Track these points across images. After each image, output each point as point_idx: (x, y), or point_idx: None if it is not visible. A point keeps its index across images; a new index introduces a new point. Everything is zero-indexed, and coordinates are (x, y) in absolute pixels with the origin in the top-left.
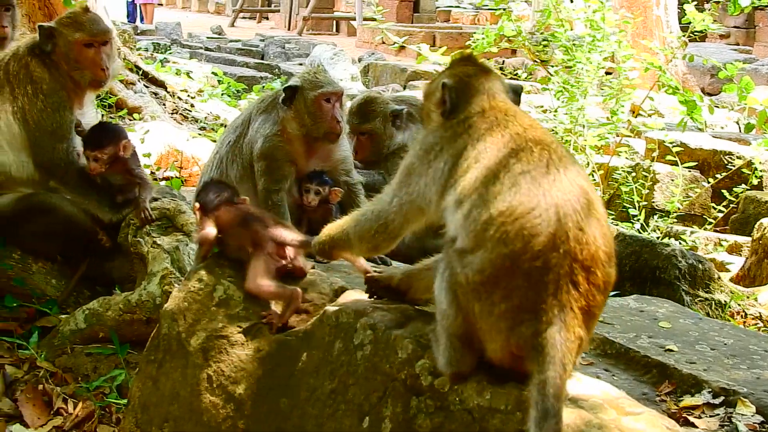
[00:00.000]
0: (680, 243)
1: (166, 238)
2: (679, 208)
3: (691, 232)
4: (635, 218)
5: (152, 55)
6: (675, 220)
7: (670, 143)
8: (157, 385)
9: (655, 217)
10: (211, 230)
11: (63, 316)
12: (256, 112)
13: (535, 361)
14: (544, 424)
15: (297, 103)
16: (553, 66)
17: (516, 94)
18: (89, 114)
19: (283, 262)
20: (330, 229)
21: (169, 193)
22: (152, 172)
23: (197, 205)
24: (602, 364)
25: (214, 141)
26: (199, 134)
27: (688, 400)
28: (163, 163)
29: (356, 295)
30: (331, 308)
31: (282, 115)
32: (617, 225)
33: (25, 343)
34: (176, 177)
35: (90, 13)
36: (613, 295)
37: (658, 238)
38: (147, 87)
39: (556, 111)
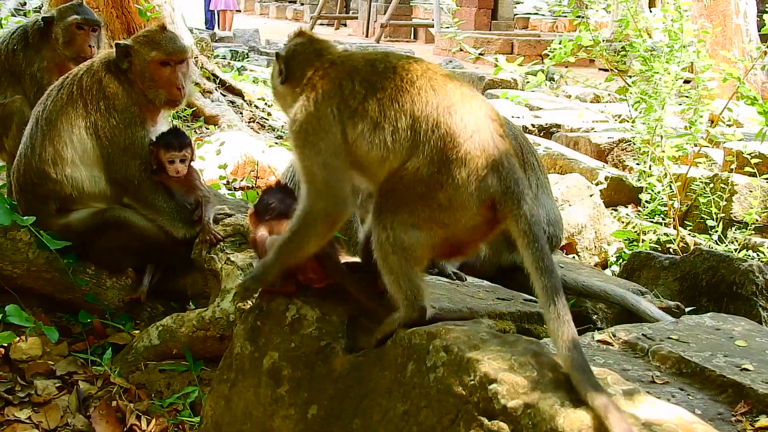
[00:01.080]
0: (758, 255)
1: (239, 255)
2: (757, 220)
3: None
4: (713, 230)
5: (229, 63)
6: (753, 232)
7: (749, 154)
8: (229, 405)
9: (733, 228)
10: (263, 233)
11: (136, 332)
12: None
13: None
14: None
15: None
16: (630, 76)
17: None
18: (163, 127)
19: (312, 276)
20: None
21: (244, 207)
22: (228, 182)
23: (251, 210)
24: (677, 383)
25: (290, 150)
26: (276, 143)
27: (764, 421)
28: (239, 173)
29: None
30: (403, 331)
31: None
32: (695, 236)
33: (98, 359)
34: (251, 188)
35: (167, 31)
36: (689, 312)
37: (735, 250)
38: (224, 95)
39: (633, 121)
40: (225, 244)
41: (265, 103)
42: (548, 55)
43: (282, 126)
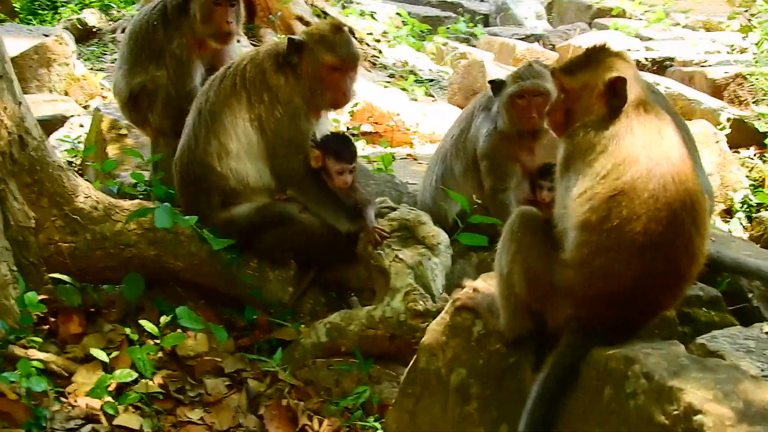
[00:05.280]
0: None
1: (408, 252)
2: None
3: None
4: None
5: None
6: None
7: None
8: (414, 420)
9: None
10: None
11: (302, 326)
12: (479, 108)
13: None
14: None
15: (500, 99)
16: (753, 15)
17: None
18: (324, 125)
19: None
20: None
21: (390, 183)
22: (348, 128)
23: None
24: None
25: (404, 90)
26: (388, 83)
27: None
28: (358, 119)
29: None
30: (598, 352)
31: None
32: None
33: (264, 359)
34: (373, 132)
35: (343, 33)
36: None
37: None
38: None
39: (756, 61)
40: (392, 239)
41: (374, 39)
42: None
43: (393, 64)
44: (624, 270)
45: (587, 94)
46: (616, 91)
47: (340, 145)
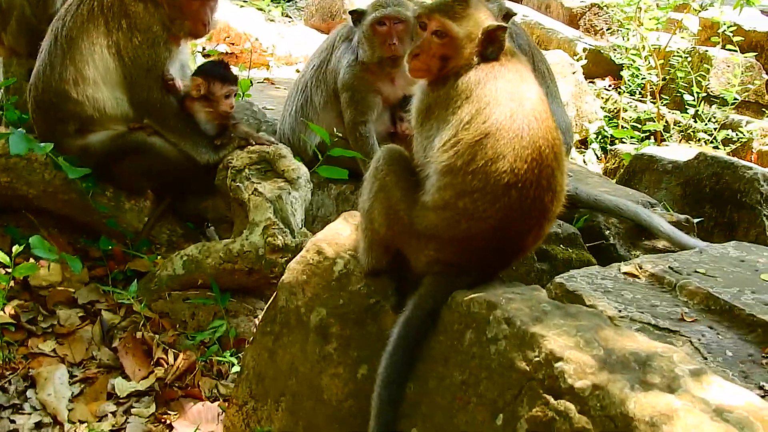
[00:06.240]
0: (737, 134)
1: (267, 185)
2: (736, 99)
3: (747, 122)
4: (690, 105)
5: None
6: (733, 110)
7: (726, 26)
8: (273, 358)
9: (713, 107)
10: None
11: (158, 258)
12: (339, 39)
13: None
14: None
15: (361, 28)
16: None
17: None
18: (184, 53)
19: None
20: None
21: (263, 122)
22: (204, 49)
23: None
24: (706, 320)
25: (261, 10)
26: (245, 2)
27: None
28: (214, 39)
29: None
30: (461, 295)
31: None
32: (673, 114)
33: (119, 290)
34: (230, 53)
35: None
36: (697, 223)
37: (715, 129)
38: None
39: None
40: (251, 172)
41: None
42: None
43: None
44: (490, 210)
45: (470, 42)
46: (494, 39)
47: (222, 69)
